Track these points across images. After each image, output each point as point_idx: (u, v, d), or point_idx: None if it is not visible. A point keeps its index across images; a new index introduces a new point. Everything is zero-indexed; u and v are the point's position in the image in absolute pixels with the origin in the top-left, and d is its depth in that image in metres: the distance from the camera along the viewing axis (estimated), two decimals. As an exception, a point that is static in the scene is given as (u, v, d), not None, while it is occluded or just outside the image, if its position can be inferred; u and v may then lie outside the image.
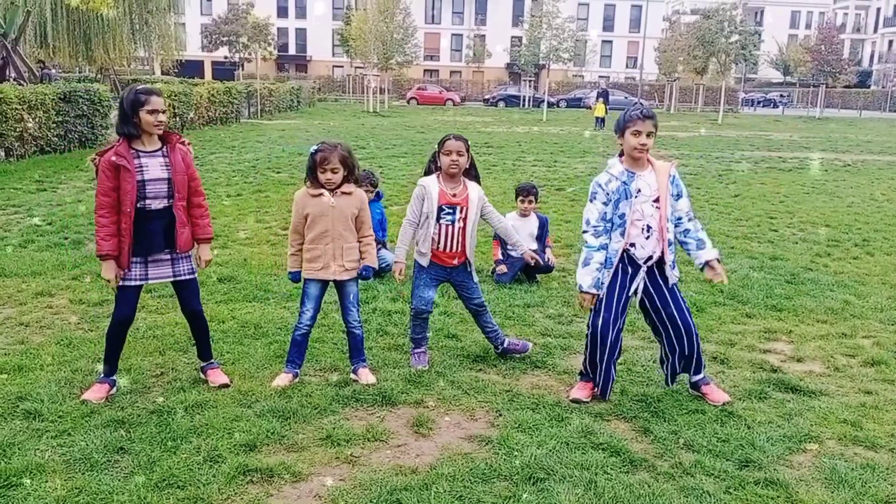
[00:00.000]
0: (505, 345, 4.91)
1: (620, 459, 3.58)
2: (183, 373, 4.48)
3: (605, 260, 4.15)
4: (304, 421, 3.92)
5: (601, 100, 30.74)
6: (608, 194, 4.14)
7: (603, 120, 30.19)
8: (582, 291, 4.18)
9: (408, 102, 52.51)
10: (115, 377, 4.22)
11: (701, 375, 4.36)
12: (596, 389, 4.32)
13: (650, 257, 4.18)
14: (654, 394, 4.33)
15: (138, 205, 3.98)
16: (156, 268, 4.15)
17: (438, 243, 4.63)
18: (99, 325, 5.29)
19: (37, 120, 14.74)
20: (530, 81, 51.65)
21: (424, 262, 4.70)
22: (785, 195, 12.53)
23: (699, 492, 3.31)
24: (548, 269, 6.85)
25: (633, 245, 4.16)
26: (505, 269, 6.70)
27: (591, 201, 4.22)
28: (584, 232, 4.21)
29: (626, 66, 70.18)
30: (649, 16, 60.84)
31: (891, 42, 71.08)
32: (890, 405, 4.31)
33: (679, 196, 4.26)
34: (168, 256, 4.16)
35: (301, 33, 69.55)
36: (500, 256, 6.78)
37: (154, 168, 4.03)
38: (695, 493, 3.30)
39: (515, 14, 66.55)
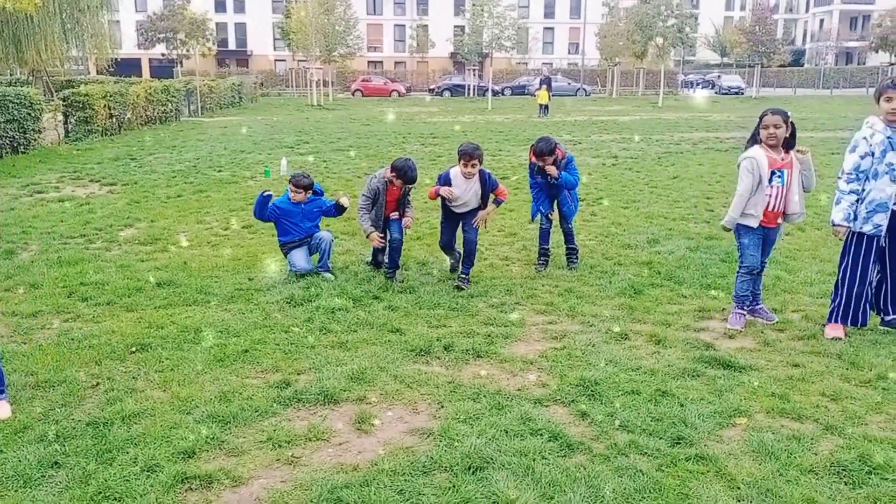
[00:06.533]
0: (757, 307, 5.52)
1: (558, 444, 3.66)
2: (120, 382, 4.40)
3: (881, 205, 4.88)
4: (244, 424, 3.90)
5: (544, 86, 31.00)
6: (871, 146, 4.85)
7: (547, 107, 30.48)
8: (835, 225, 5.04)
9: (353, 94, 52.10)
10: None
11: None
12: (846, 327, 5.12)
13: None
14: (593, 377, 4.42)
15: None
16: None
17: (769, 205, 5.17)
18: (32, 337, 5.17)
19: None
20: (475, 70, 51.78)
21: (754, 223, 5.22)
22: (721, 175, 12.85)
23: (633, 471, 3.41)
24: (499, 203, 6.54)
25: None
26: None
27: (850, 152, 4.95)
28: (839, 178, 5.01)
29: (569, 53, 70.80)
30: (589, 2, 61.51)
31: (822, 21, 73.19)
32: (816, 376, 4.49)
33: None
34: None
35: (241, 27, 68.31)
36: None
37: None
38: (628, 473, 3.40)
39: (457, 4, 66.51)
